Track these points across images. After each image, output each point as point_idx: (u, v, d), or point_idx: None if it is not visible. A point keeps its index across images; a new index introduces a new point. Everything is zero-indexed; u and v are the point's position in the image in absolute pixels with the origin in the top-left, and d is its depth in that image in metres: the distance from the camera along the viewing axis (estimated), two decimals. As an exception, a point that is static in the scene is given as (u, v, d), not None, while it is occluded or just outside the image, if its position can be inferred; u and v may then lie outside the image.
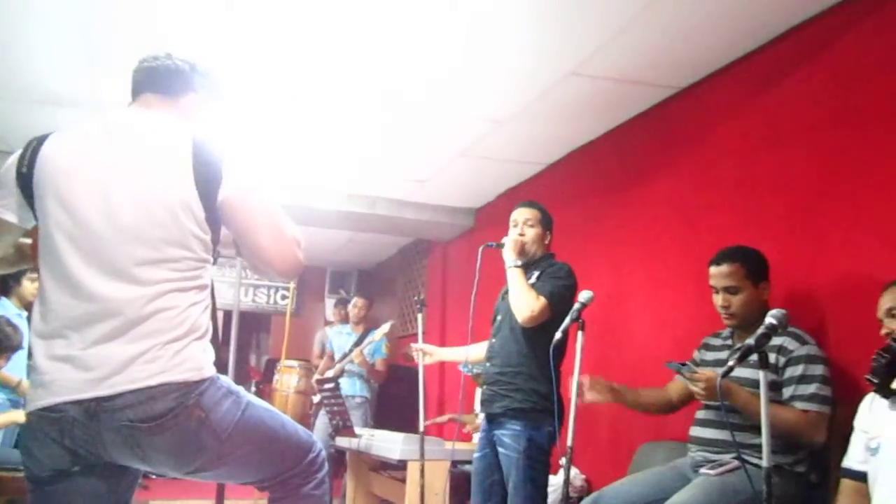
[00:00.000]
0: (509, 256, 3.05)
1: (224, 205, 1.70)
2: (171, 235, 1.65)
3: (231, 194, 1.70)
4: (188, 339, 1.64)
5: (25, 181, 1.70)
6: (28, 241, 1.88)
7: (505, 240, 3.11)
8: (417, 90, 3.73)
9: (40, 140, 1.73)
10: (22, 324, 3.93)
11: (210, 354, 1.70)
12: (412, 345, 3.67)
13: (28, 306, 4.23)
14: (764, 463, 1.88)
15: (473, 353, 3.42)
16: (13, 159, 1.74)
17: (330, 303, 8.46)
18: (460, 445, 3.92)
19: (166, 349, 1.60)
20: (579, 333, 2.66)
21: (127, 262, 1.63)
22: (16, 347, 3.77)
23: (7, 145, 4.75)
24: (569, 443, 2.54)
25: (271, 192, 1.78)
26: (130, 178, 1.67)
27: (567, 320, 2.69)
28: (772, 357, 2.36)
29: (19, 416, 3.66)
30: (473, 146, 4.50)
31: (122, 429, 1.58)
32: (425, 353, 3.60)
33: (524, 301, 2.90)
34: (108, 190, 1.66)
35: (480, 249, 3.14)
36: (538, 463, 2.88)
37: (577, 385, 2.61)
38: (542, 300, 2.89)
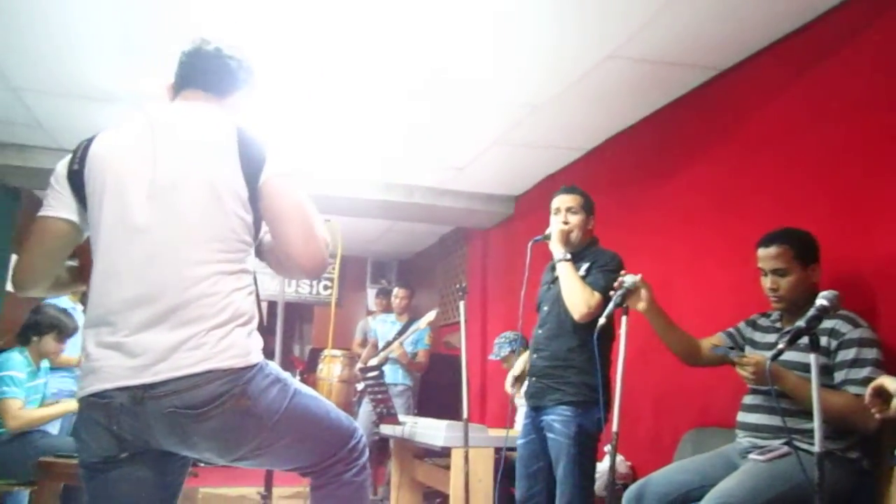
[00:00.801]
0: (557, 249, 2.97)
1: (263, 187, 1.72)
2: (215, 216, 1.67)
3: (271, 177, 1.72)
4: (231, 326, 1.64)
5: (77, 178, 1.74)
6: (75, 263, 1.93)
7: (550, 231, 3.03)
8: (452, 76, 3.71)
9: (90, 140, 1.78)
10: (78, 316, 4.10)
11: (257, 340, 1.71)
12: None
13: (82, 299, 4.37)
14: (816, 448, 1.84)
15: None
16: (65, 161, 1.79)
17: (371, 293, 8.53)
18: (503, 432, 3.91)
19: (210, 335, 1.61)
20: (623, 318, 2.63)
21: (171, 245, 1.65)
22: (71, 332, 3.98)
23: (54, 141, 4.88)
24: (614, 429, 2.52)
25: (305, 187, 1.78)
26: (175, 165, 1.70)
27: (611, 305, 2.65)
28: (823, 340, 2.30)
29: (74, 405, 3.77)
30: (510, 132, 4.47)
31: (167, 416, 1.60)
32: None
33: (580, 297, 2.84)
34: (154, 179, 1.69)
35: (529, 245, 3.04)
36: (587, 449, 2.87)
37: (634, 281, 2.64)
38: (597, 296, 2.83)
